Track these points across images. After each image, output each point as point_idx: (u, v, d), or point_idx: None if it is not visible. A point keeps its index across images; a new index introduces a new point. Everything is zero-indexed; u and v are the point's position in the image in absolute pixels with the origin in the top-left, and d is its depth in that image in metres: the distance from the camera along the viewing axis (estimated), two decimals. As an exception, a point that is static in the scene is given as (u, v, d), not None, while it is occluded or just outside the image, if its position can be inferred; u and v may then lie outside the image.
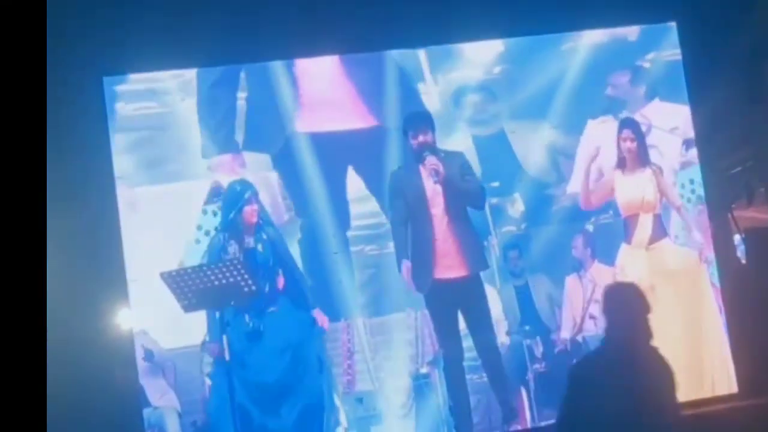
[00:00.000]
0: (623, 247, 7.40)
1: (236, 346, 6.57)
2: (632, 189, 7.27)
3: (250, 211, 6.93)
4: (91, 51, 6.55)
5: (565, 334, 7.87)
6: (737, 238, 6.95)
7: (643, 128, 7.59)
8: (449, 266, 6.52)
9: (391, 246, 6.97)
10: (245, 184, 7.05)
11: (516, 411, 6.98)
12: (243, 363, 6.72)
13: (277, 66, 7.48)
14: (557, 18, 7.38)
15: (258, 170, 7.42)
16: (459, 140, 7.57)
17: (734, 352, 6.94)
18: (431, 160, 6.44)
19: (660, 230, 7.27)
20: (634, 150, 7.24)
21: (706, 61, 7.16)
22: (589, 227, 7.87)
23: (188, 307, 6.41)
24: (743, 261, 6.92)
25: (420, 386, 7.42)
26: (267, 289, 6.88)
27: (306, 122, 7.51)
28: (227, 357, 6.31)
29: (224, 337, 6.35)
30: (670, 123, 7.80)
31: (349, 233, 7.55)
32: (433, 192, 6.54)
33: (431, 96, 7.73)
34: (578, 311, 7.86)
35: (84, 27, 6.44)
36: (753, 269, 6.78)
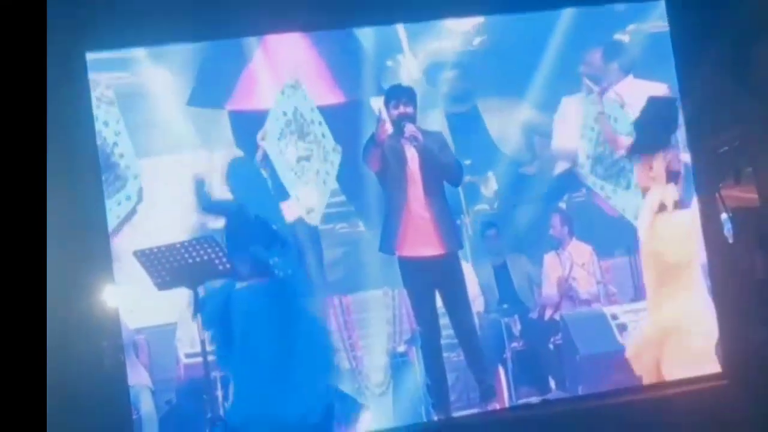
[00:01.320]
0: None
1: (211, 325, 6.49)
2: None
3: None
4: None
5: (544, 311, 7.94)
6: (724, 217, 6.89)
7: (617, 106, 7.65)
8: (425, 243, 6.43)
9: (362, 225, 6.94)
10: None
11: (494, 389, 6.91)
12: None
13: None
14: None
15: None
16: (433, 118, 7.57)
17: (720, 331, 6.92)
18: (410, 127, 6.39)
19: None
20: None
21: (694, 39, 7.11)
22: (562, 205, 7.88)
23: (162, 285, 6.36)
24: (730, 240, 6.84)
25: (397, 365, 7.47)
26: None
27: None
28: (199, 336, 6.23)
29: (198, 316, 6.29)
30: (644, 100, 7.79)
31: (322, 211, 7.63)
32: (411, 165, 6.48)
33: (406, 72, 7.72)
34: (556, 289, 7.93)
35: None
36: (740, 249, 6.71)
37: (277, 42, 7.73)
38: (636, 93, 7.76)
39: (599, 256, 7.96)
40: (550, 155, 8.13)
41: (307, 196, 7.72)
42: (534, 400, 7.28)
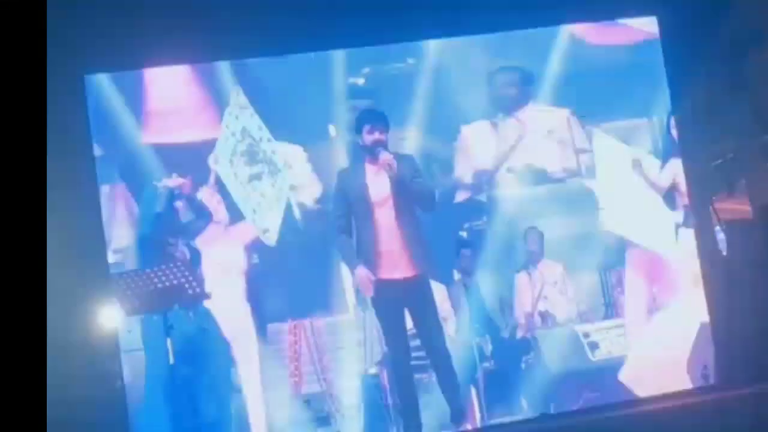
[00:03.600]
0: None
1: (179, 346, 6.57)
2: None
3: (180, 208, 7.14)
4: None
5: (515, 331, 8.01)
6: (718, 229, 6.99)
7: (517, 132, 8.02)
8: (395, 266, 6.42)
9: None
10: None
11: (465, 410, 6.94)
12: (186, 362, 6.74)
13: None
14: (537, 12, 7.33)
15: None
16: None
17: (716, 343, 7.03)
18: (385, 155, 6.37)
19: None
20: None
21: (686, 54, 7.21)
22: (463, 233, 8.09)
23: (131, 311, 6.45)
24: (724, 253, 6.93)
25: (369, 386, 7.48)
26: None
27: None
28: (171, 360, 6.32)
29: (168, 340, 6.36)
30: (545, 126, 8.14)
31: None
32: (381, 191, 6.46)
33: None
34: (528, 308, 8.00)
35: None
36: (734, 261, 6.76)
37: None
38: (537, 119, 8.11)
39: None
40: (452, 184, 8.23)
41: (261, 217, 7.75)
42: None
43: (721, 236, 6.97)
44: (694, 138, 7.26)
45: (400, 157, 6.49)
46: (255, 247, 7.69)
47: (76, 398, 5.94)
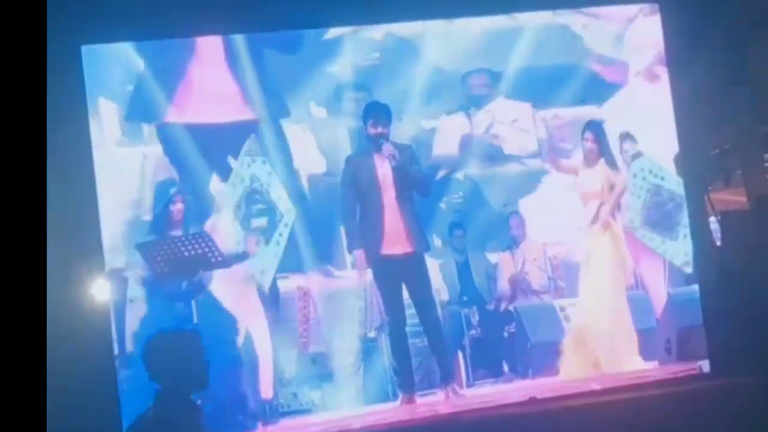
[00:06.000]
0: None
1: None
2: (586, 181, 7.66)
3: (175, 210, 7.31)
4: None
5: (498, 304, 8.50)
6: (713, 220, 6.87)
7: (487, 121, 8.55)
8: (396, 243, 6.96)
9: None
10: (171, 183, 7.48)
11: (453, 371, 7.42)
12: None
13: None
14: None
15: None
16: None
17: (708, 333, 6.75)
18: (388, 146, 6.91)
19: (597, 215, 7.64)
20: (594, 149, 7.61)
21: (686, 43, 6.99)
22: (443, 205, 8.59)
23: (161, 275, 6.99)
24: (718, 243, 6.74)
25: (368, 349, 7.91)
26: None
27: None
28: (195, 319, 6.85)
29: (193, 302, 6.94)
30: (511, 116, 8.75)
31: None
32: (385, 178, 7.00)
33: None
34: (509, 284, 8.48)
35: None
36: (727, 251, 6.59)
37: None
38: (505, 112, 8.68)
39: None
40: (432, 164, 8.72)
41: (260, 259, 7.89)
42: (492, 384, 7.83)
43: (714, 226, 6.88)
44: (691, 128, 7.00)
45: (402, 147, 7.04)
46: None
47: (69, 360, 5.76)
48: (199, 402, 4.22)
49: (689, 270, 8.01)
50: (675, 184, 8.20)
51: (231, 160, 8.02)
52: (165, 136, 8.08)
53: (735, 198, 6.76)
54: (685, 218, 7.79)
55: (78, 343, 5.98)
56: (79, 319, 6.11)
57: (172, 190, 7.40)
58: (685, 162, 7.24)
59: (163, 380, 3.89)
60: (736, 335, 6.34)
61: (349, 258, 7.84)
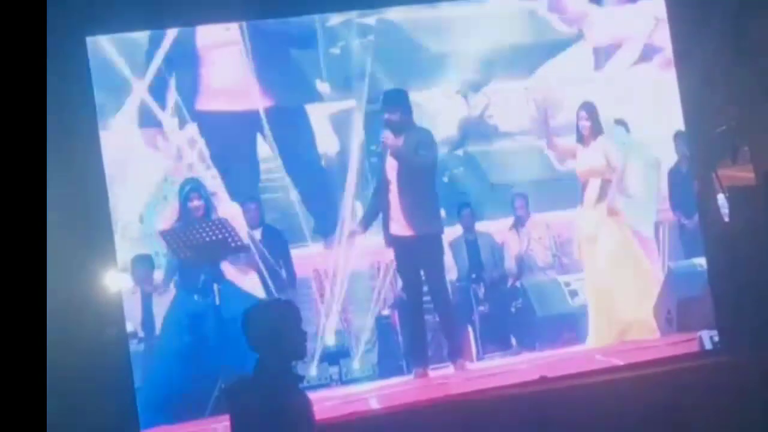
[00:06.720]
0: (578, 208, 8.09)
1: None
2: (586, 159, 8.02)
3: (194, 207, 7.42)
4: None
5: (506, 280, 8.69)
6: (721, 196, 6.88)
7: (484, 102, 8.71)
8: (399, 225, 7.28)
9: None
10: (189, 181, 7.60)
11: (462, 347, 7.73)
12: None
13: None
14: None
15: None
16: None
17: (717, 309, 6.84)
18: (385, 134, 7.20)
19: (603, 193, 7.97)
20: (588, 127, 7.97)
21: (691, 19, 7.00)
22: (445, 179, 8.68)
23: (186, 259, 7.30)
24: (726, 219, 6.77)
25: (382, 326, 8.14)
26: None
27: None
28: (217, 301, 7.13)
29: (215, 286, 7.22)
30: (506, 97, 8.86)
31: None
32: (390, 162, 7.31)
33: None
34: (515, 261, 8.68)
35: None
36: (735, 227, 6.64)
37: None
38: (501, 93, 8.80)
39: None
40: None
41: None
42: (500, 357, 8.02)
43: (722, 202, 6.87)
44: (698, 104, 7.04)
45: (415, 131, 7.27)
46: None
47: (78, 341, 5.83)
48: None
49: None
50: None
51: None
52: (181, 121, 8.18)
53: (743, 174, 6.74)
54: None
55: (89, 334, 6.05)
56: (92, 306, 6.19)
57: (187, 188, 7.52)
58: (692, 139, 7.33)
59: (262, 349, 3.93)
60: (745, 311, 6.45)
61: (362, 236, 7.99)
